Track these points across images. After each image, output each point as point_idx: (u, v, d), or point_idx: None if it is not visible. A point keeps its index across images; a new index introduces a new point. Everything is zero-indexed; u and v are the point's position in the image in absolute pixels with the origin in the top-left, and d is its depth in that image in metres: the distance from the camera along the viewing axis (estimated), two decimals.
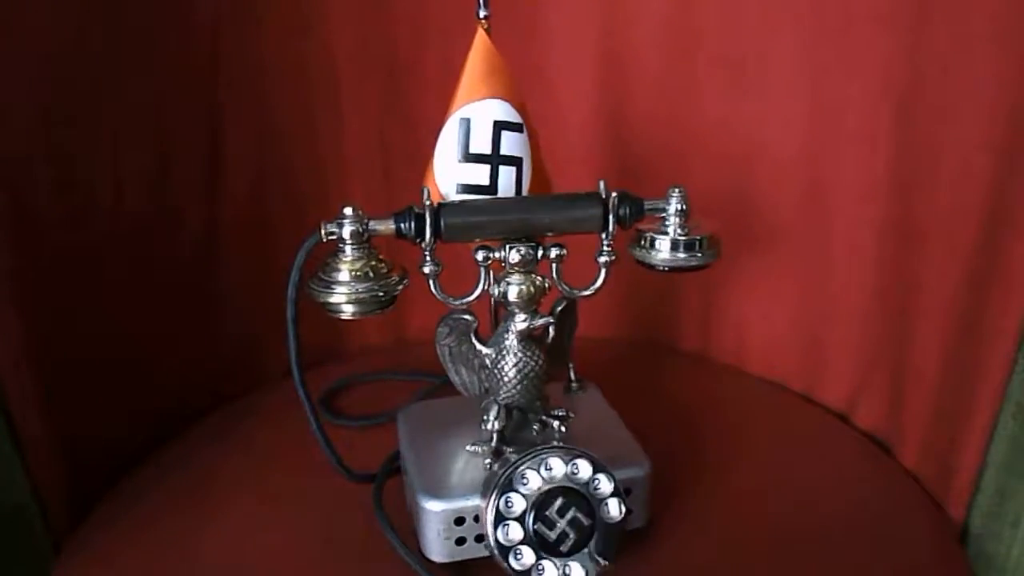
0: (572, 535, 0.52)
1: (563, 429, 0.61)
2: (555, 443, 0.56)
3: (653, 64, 0.77)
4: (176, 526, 0.62)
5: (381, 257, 0.54)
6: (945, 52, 0.61)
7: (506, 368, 0.57)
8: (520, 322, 0.56)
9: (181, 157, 0.74)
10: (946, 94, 0.61)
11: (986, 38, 0.58)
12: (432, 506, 0.54)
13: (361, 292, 0.53)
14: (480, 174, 0.57)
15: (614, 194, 0.55)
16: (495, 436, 0.58)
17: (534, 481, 0.53)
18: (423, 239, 0.53)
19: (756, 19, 0.71)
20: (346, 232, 0.53)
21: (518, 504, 0.53)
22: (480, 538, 0.55)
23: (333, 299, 0.53)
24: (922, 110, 0.63)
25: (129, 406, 0.71)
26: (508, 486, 0.53)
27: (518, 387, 0.57)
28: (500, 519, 0.52)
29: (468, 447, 0.59)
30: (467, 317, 0.58)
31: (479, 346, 0.58)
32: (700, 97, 0.76)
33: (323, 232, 0.53)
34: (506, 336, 0.57)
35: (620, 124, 0.80)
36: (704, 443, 0.70)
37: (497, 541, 0.52)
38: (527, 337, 0.57)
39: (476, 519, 0.55)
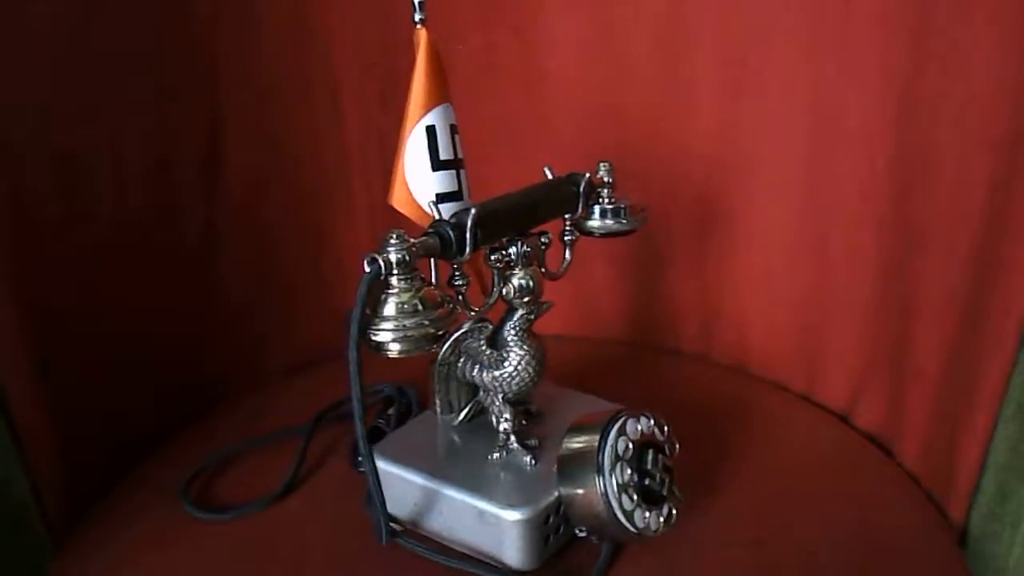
0: (667, 478, 0.56)
1: (541, 412, 0.63)
2: (618, 411, 0.56)
3: (653, 63, 0.77)
4: (175, 525, 0.62)
5: (432, 284, 0.50)
6: (945, 52, 0.61)
7: (522, 363, 0.58)
8: (528, 314, 0.57)
9: (181, 157, 0.74)
10: (946, 94, 0.61)
11: (986, 38, 0.58)
12: (520, 515, 0.54)
13: (409, 328, 0.48)
14: (450, 181, 0.56)
15: (587, 175, 0.60)
16: (513, 434, 0.59)
17: (623, 446, 0.54)
18: (464, 251, 0.51)
19: (756, 19, 0.71)
20: (392, 260, 0.48)
21: (625, 472, 0.54)
22: (557, 528, 0.56)
23: (378, 337, 0.48)
24: (922, 110, 0.63)
25: (129, 406, 0.71)
26: (616, 458, 0.53)
27: (534, 378, 0.58)
28: (621, 491, 0.53)
29: (492, 456, 0.59)
30: (483, 323, 0.58)
31: (491, 350, 0.58)
32: (699, 96, 0.76)
33: (380, 264, 0.47)
34: (515, 331, 0.57)
35: (619, 124, 0.80)
36: (704, 443, 0.70)
37: (623, 510, 0.53)
38: (530, 328, 0.58)
39: (558, 510, 0.56)
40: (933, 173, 0.64)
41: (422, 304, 0.48)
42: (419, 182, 0.56)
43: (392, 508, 0.58)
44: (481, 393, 0.61)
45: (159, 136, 0.72)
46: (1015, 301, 0.57)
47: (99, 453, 0.68)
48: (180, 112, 0.73)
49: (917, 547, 0.60)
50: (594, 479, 0.53)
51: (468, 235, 0.51)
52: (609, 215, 0.62)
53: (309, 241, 0.84)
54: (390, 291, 0.48)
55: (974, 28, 0.59)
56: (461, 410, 0.62)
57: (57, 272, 0.64)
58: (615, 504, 0.53)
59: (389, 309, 0.48)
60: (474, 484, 0.56)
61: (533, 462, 0.58)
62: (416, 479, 0.58)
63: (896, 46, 0.64)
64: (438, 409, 0.63)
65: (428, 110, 0.55)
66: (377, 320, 0.48)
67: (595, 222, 0.62)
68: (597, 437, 0.54)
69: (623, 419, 0.55)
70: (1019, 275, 0.57)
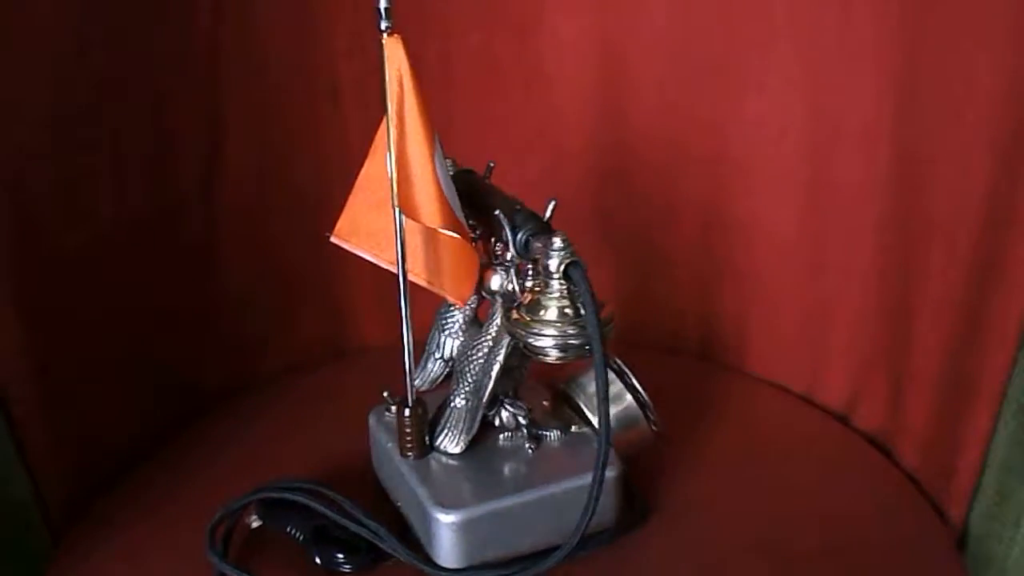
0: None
1: None
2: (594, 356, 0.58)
3: (652, 64, 0.77)
4: (175, 524, 0.62)
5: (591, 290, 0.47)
6: (945, 51, 0.61)
7: (523, 358, 0.57)
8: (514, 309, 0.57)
9: (181, 157, 0.74)
10: (946, 93, 0.61)
11: (986, 37, 0.58)
12: (618, 470, 0.56)
13: (571, 335, 0.47)
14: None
15: (491, 164, 0.59)
16: (532, 423, 0.59)
17: (627, 376, 0.61)
18: None
19: (756, 19, 0.71)
20: (553, 265, 0.47)
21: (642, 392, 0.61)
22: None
23: (540, 343, 0.47)
24: (922, 109, 0.63)
25: (129, 406, 0.71)
26: (635, 385, 0.60)
27: (526, 370, 0.59)
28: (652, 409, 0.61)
29: (529, 451, 0.58)
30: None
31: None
32: (699, 96, 0.76)
33: (581, 264, 0.46)
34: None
35: (619, 123, 0.80)
36: (704, 444, 0.70)
37: (657, 423, 0.61)
38: None
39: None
40: (933, 173, 0.64)
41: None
42: (453, 198, 0.52)
43: (483, 553, 0.54)
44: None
45: (159, 136, 0.72)
46: (1015, 301, 0.57)
47: (99, 453, 0.68)
48: (180, 112, 0.73)
49: (916, 547, 0.61)
50: (638, 410, 0.60)
51: None
52: None
53: (309, 241, 0.84)
54: (550, 293, 0.47)
55: (974, 28, 0.59)
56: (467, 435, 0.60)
57: (57, 272, 0.64)
58: (652, 419, 0.60)
59: (551, 314, 0.47)
60: (561, 474, 0.55)
61: (561, 434, 0.59)
62: (507, 503, 0.54)
63: (895, 46, 0.64)
64: (457, 442, 0.58)
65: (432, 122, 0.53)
66: (537, 324, 0.47)
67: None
68: (614, 380, 0.59)
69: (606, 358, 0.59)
70: (1019, 275, 0.57)
